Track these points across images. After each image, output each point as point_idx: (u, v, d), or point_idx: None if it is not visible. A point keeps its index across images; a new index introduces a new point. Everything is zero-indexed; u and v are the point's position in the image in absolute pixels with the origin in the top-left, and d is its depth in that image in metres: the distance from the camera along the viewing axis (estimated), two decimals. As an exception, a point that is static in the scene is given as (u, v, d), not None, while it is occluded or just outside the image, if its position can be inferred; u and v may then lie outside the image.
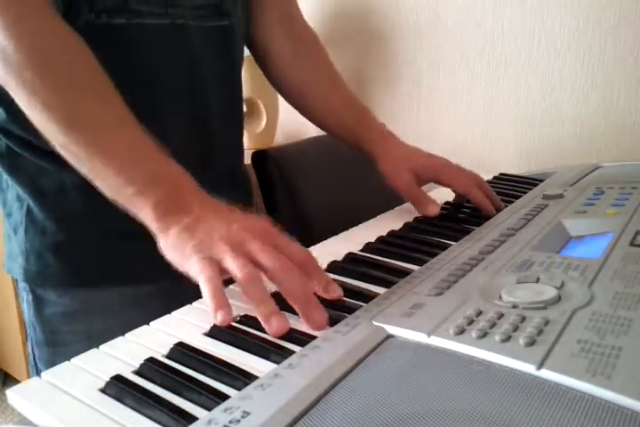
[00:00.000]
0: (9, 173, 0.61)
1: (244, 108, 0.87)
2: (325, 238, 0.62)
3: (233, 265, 0.41)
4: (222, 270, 0.42)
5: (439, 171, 0.69)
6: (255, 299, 0.40)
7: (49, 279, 0.61)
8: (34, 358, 0.65)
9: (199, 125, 0.65)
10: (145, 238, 0.62)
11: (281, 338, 0.39)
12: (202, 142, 0.63)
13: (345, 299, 0.44)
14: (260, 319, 0.40)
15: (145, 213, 0.46)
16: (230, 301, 0.46)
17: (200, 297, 0.45)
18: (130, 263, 0.62)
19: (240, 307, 0.44)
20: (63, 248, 0.61)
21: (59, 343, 0.62)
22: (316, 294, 0.43)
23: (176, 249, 0.45)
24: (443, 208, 0.70)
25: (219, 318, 0.40)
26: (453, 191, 0.70)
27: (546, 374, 0.30)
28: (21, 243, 0.62)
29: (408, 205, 0.72)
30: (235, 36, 0.67)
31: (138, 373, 0.36)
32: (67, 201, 0.60)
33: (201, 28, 0.62)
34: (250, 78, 0.73)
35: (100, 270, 0.62)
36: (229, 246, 0.42)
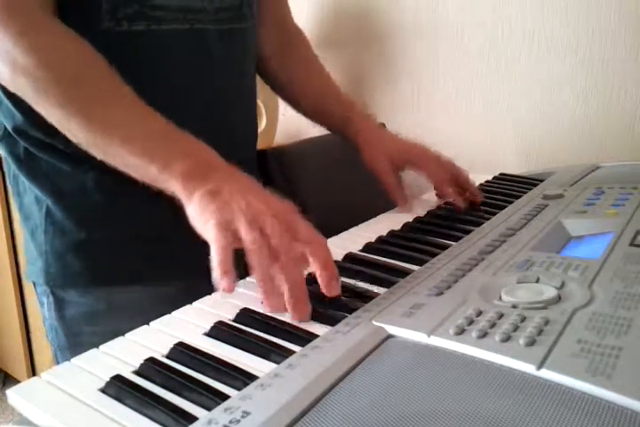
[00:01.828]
0: (27, 176, 0.61)
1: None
2: (325, 238, 0.61)
3: (246, 236, 0.43)
4: (236, 238, 0.43)
5: (412, 159, 0.71)
6: (260, 273, 0.41)
7: (70, 279, 0.61)
8: (57, 363, 0.65)
9: (216, 129, 0.65)
10: (167, 237, 0.62)
11: (281, 338, 0.39)
12: (217, 146, 0.64)
13: (345, 299, 0.44)
14: (259, 292, 0.41)
15: (172, 184, 0.48)
16: (231, 300, 0.46)
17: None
18: (153, 262, 0.62)
19: (238, 306, 0.44)
20: (84, 247, 0.61)
21: (80, 345, 0.62)
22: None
23: (197, 212, 0.46)
24: (442, 208, 0.70)
25: (223, 284, 0.41)
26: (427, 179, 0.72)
27: (546, 374, 0.30)
28: (40, 245, 0.62)
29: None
30: (252, 37, 0.68)
31: (138, 373, 0.36)
32: (87, 201, 0.60)
33: (221, 32, 0.63)
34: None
35: (121, 269, 0.62)
36: (246, 218, 0.43)
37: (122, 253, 0.61)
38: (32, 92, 0.50)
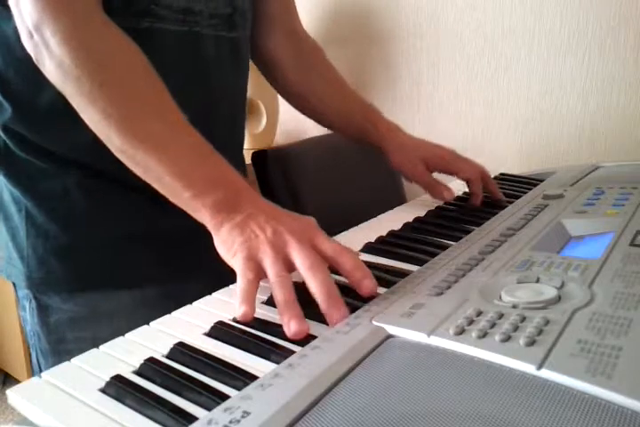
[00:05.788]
0: (5, 174, 0.60)
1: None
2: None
3: (270, 270, 0.44)
4: (261, 269, 0.44)
5: (446, 160, 0.74)
6: (281, 303, 0.41)
7: (53, 285, 0.61)
8: (39, 369, 0.64)
9: (204, 131, 0.65)
10: (151, 240, 0.62)
11: (281, 338, 0.39)
12: None
13: (345, 299, 0.44)
14: (282, 322, 0.40)
15: (201, 214, 0.49)
16: (231, 300, 0.46)
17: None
18: (136, 265, 0.62)
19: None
20: (68, 252, 0.60)
21: (64, 352, 0.61)
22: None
23: (225, 244, 0.47)
24: (443, 209, 0.70)
25: (241, 311, 0.41)
26: (458, 178, 0.74)
27: (546, 374, 0.30)
28: (22, 249, 0.61)
29: (408, 204, 0.73)
30: (242, 48, 0.69)
31: (138, 373, 0.36)
32: (70, 204, 0.59)
33: (214, 37, 0.63)
34: (249, 79, 0.74)
35: (106, 273, 0.61)
36: (272, 250, 0.45)
37: (106, 258, 0.60)
38: (76, 94, 0.49)
